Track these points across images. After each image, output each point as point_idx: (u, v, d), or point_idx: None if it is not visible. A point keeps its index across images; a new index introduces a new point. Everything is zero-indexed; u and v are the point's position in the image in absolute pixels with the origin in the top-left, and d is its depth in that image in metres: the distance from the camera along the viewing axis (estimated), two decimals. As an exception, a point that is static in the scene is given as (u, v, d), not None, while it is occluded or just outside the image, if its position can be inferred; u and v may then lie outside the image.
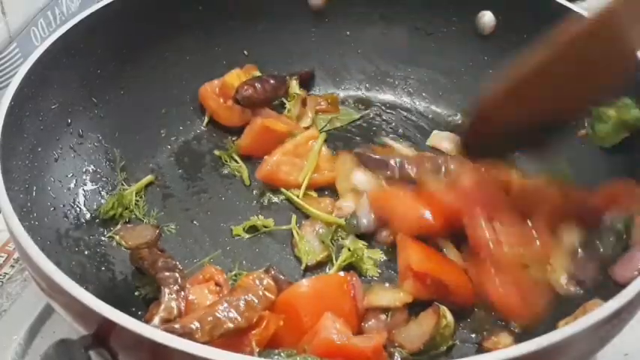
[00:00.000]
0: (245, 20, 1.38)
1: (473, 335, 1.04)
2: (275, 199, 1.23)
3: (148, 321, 0.93)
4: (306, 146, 1.27)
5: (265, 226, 1.17)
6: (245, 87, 1.30)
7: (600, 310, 0.78)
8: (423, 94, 1.43)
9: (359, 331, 1.00)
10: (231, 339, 0.91)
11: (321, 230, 1.15)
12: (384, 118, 1.41)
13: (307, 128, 1.33)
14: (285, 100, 1.37)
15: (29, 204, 1.00)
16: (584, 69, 0.96)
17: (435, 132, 1.36)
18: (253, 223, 1.17)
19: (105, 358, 0.78)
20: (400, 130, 1.38)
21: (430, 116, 1.41)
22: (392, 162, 1.20)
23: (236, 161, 1.29)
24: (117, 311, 0.74)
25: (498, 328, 1.04)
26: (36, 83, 1.06)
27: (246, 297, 0.94)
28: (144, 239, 1.12)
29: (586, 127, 1.20)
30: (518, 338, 1.01)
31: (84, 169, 1.18)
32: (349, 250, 1.11)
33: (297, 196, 1.21)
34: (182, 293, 0.98)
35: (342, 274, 1.04)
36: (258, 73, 1.37)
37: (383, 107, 1.43)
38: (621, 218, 1.03)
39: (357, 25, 1.44)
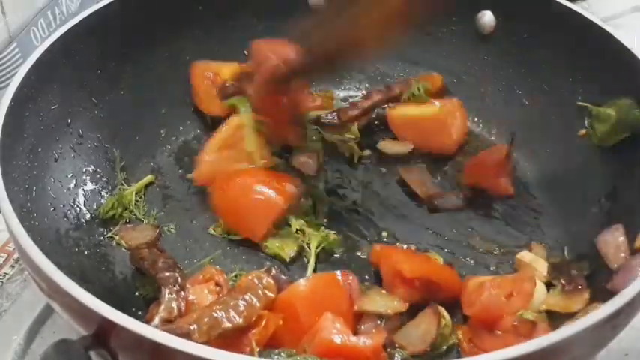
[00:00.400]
0: (245, 20, 1.38)
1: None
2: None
3: (148, 321, 0.93)
4: (237, 136, 1.22)
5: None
6: (230, 84, 1.27)
7: (600, 311, 0.78)
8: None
9: (356, 331, 1.00)
10: (231, 338, 0.91)
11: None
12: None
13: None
14: None
15: (29, 204, 1.00)
16: None
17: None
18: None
19: (105, 358, 0.78)
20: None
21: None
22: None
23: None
24: (117, 311, 0.74)
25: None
26: (36, 83, 1.06)
27: (245, 296, 0.94)
28: (144, 239, 1.12)
29: (586, 127, 1.21)
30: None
31: (84, 169, 1.18)
32: (297, 231, 1.13)
33: None
34: (182, 293, 0.98)
35: (338, 273, 1.04)
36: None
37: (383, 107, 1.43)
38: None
39: (357, 25, 1.44)
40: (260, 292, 0.96)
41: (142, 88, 1.28)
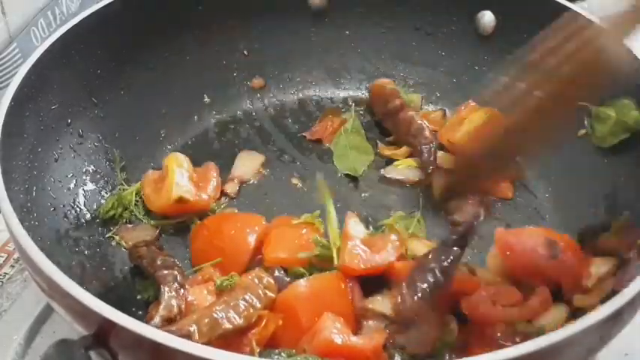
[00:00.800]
0: (245, 20, 1.38)
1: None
2: (275, 199, 1.24)
3: (148, 321, 0.93)
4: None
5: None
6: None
7: (600, 311, 0.78)
8: (423, 94, 1.43)
9: (356, 331, 1.00)
10: (231, 339, 0.91)
11: None
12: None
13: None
14: None
15: (29, 204, 1.00)
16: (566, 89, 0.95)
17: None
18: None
19: (105, 358, 0.78)
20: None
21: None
22: None
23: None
24: (117, 311, 0.74)
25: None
26: (36, 83, 1.06)
27: (246, 296, 0.94)
28: (143, 239, 1.12)
29: (586, 128, 1.21)
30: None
31: (84, 169, 1.18)
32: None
33: None
34: (182, 291, 0.97)
35: (338, 273, 1.03)
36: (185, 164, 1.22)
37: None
38: None
39: (357, 25, 1.44)
40: (260, 292, 0.96)
41: (142, 88, 1.28)
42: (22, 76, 1.04)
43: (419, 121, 1.29)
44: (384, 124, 1.37)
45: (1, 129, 0.96)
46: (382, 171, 1.31)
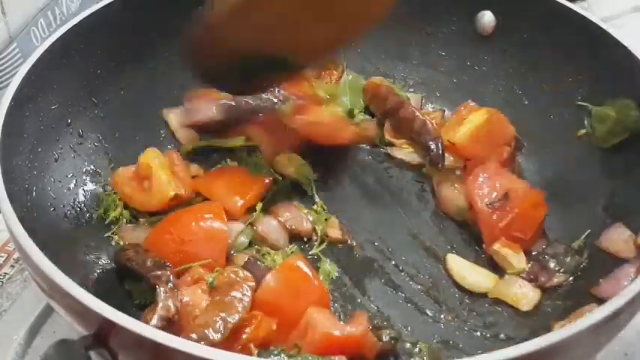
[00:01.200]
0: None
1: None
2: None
3: (146, 322, 0.93)
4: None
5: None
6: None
7: (599, 312, 0.78)
8: (423, 94, 1.43)
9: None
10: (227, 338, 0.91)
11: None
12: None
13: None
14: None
15: (29, 204, 1.00)
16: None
17: None
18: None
19: (105, 358, 0.78)
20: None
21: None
22: None
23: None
24: (117, 311, 0.74)
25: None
26: (36, 83, 1.06)
27: (234, 293, 0.96)
28: (143, 239, 1.12)
29: (586, 127, 1.21)
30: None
31: (84, 169, 1.18)
32: None
33: None
34: (176, 292, 0.97)
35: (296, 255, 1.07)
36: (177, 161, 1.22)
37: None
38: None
39: (357, 25, 1.44)
40: (244, 285, 0.97)
41: (142, 89, 1.28)
42: (22, 76, 1.04)
43: (421, 117, 1.29)
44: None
45: (1, 129, 0.96)
46: (387, 149, 1.32)
